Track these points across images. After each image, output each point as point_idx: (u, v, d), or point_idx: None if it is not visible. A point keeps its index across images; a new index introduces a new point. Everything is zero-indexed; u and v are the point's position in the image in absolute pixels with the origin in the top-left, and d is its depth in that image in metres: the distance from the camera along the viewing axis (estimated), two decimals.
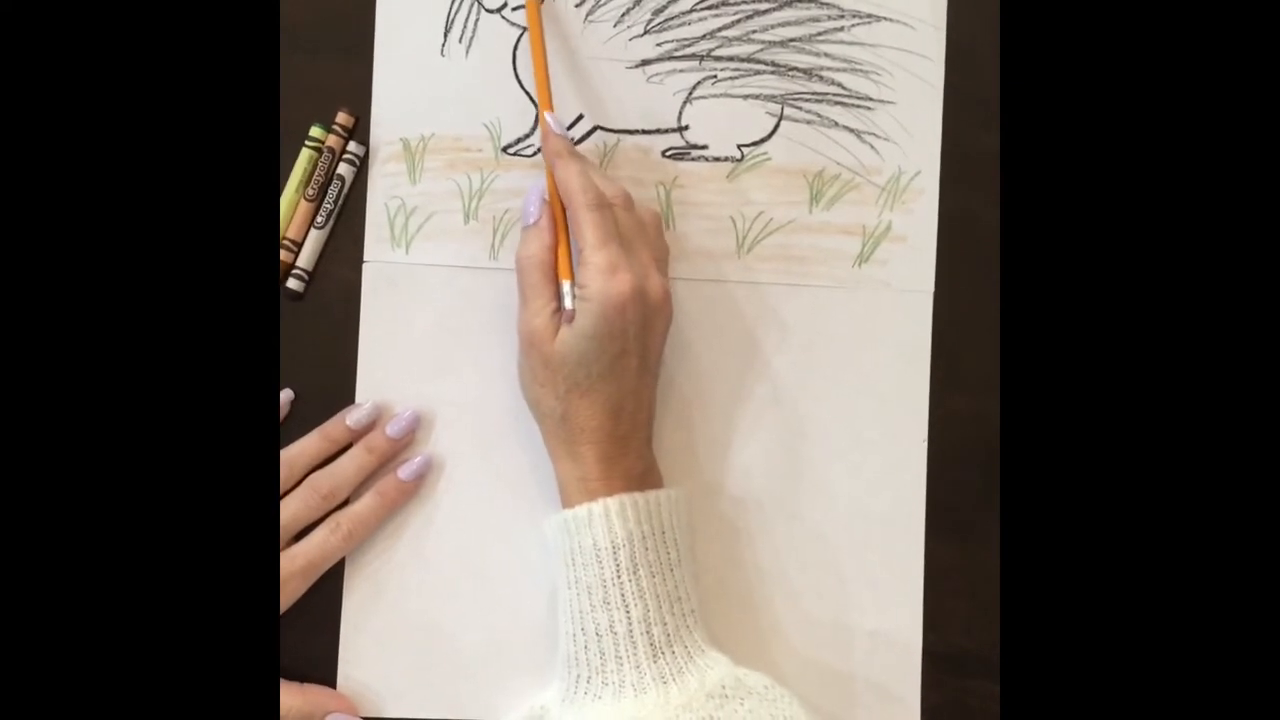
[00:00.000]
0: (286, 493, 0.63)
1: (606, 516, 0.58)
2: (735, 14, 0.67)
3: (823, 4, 0.67)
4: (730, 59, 0.67)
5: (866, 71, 0.67)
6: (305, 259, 0.66)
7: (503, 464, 0.66)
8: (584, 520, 0.58)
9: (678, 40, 0.67)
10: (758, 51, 0.67)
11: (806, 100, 0.67)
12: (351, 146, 0.66)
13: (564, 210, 0.61)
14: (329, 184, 0.66)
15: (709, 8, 0.67)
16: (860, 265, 0.67)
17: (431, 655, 0.65)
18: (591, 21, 0.67)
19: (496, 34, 0.67)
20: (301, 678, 0.64)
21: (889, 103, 0.67)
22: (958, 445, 0.66)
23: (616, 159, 0.67)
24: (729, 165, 0.67)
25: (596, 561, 0.58)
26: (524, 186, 0.66)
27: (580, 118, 0.67)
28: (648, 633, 0.57)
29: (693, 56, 0.67)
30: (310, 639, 0.65)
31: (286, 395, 0.65)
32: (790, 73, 0.67)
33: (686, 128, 0.67)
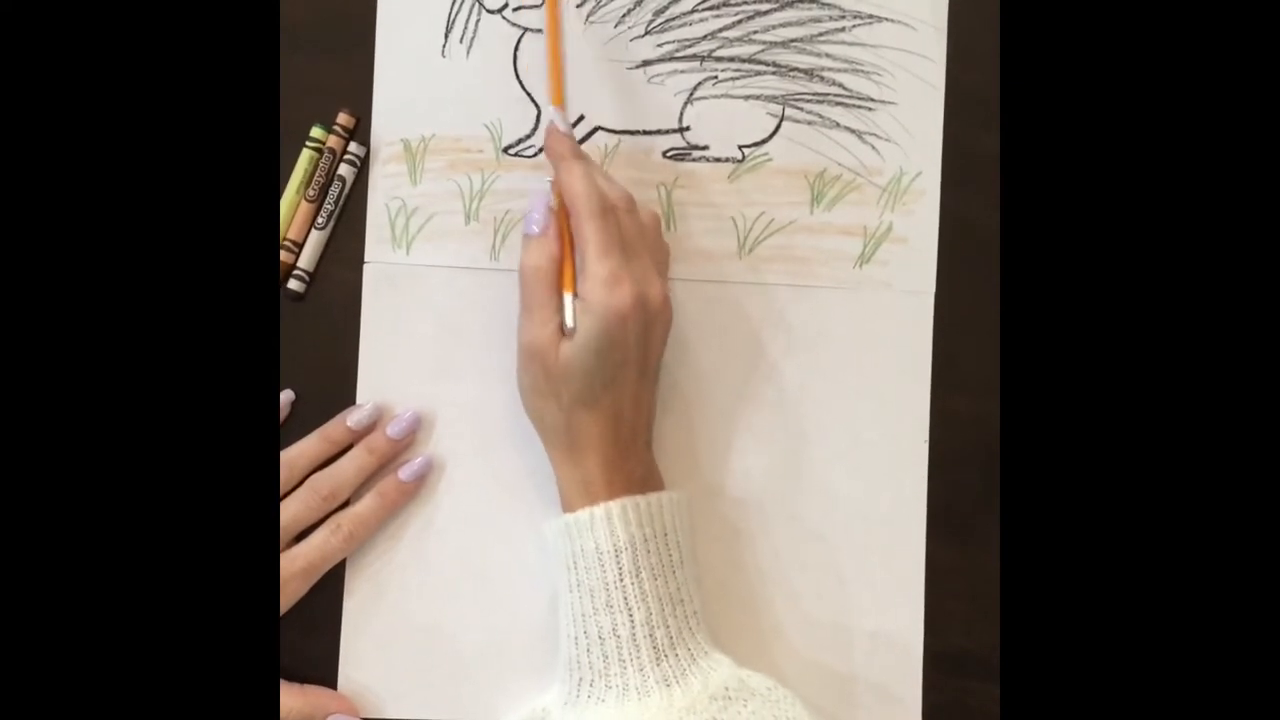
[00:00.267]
0: (287, 494, 0.63)
1: (608, 520, 0.58)
2: (736, 14, 0.67)
3: (824, 4, 0.67)
4: (731, 60, 0.67)
5: (867, 72, 0.67)
6: (306, 260, 0.66)
7: (503, 465, 0.66)
8: (585, 524, 0.58)
9: (679, 41, 0.67)
10: (759, 52, 0.67)
11: (807, 101, 0.67)
12: (352, 147, 0.66)
13: (567, 215, 0.60)
14: (330, 185, 0.66)
15: (710, 8, 0.67)
16: (861, 266, 0.67)
17: (432, 656, 0.65)
18: (592, 22, 0.67)
19: (497, 35, 0.67)
20: (302, 678, 0.64)
21: (890, 103, 0.67)
22: (958, 446, 0.66)
23: (617, 160, 0.67)
24: (730, 166, 0.67)
25: (599, 565, 0.58)
26: (525, 187, 0.66)
27: (581, 118, 0.67)
28: (651, 636, 0.57)
29: (694, 57, 0.67)
30: (311, 640, 0.65)
31: (287, 396, 0.65)
32: (791, 73, 0.67)
33: (687, 128, 0.67)
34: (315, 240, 0.66)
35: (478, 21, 0.67)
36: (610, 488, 0.59)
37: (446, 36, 0.67)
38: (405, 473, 0.65)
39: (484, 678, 0.65)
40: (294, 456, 0.64)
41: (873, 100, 0.67)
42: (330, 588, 0.65)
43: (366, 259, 0.66)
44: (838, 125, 0.67)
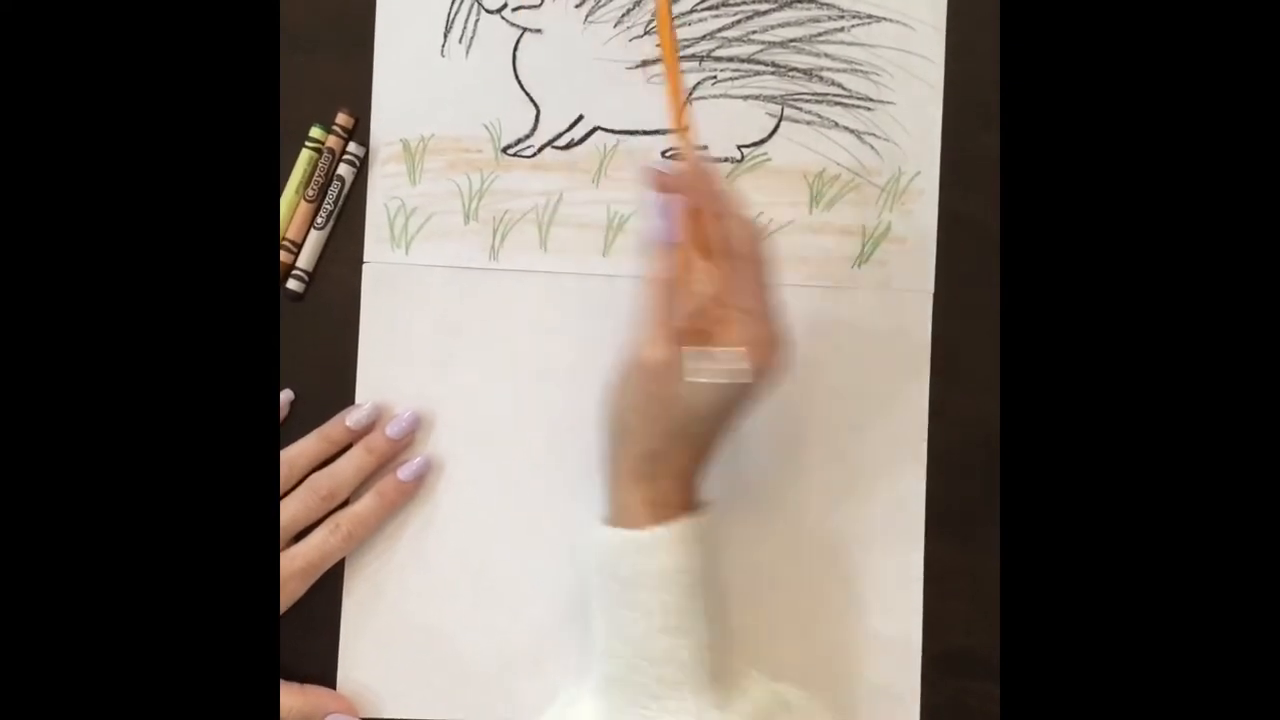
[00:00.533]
0: (286, 493, 0.63)
1: (683, 541, 0.56)
2: (735, 15, 0.67)
3: (823, 5, 0.67)
4: (730, 60, 0.67)
5: (866, 72, 0.67)
6: (305, 260, 0.66)
7: (502, 465, 0.66)
8: (650, 544, 0.56)
9: (678, 41, 0.67)
10: (758, 52, 0.67)
11: (806, 101, 0.67)
12: (351, 147, 0.66)
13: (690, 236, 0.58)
14: (329, 185, 0.66)
15: (709, 8, 0.67)
16: (860, 266, 0.67)
17: (431, 656, 0.65)
18: (592, 22, 0.67)
19: (497, 34, 0.67)
20: (301, 678, 0.64)
21: (889, 103, 0.67)
22: (958, 445, 0.66)
23: (617, 159, 0.67)
24: (729, 166, 0.67)
25: (662, 586, 0.56)
26: (524, 187, 0.66)
27: (580, 118, 0.67)
28: (707, 660, 0.56)
29: (693, 57, 0.67)
30: (310, 639, 0.65)
31: (286, 396, 0.65)
32: (790, 73, 0.67)
33: (687, 128, 0.67)
34: (314, 240, 0.66)
35: (477, 21, 0.67)
36: (679, 509, 0.57)
37: (446, 36, 0.67)
38: (404, 472, 0.65)
39: (483, 677, 0.65)
40: (293, 456, 0.64)
41: (871, 100, 0.67)
42: (329, 587, 0.65)
43: (365, 259, 0.66)
44: (836, 125, 0.67)
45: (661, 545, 0.56)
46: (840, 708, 0.65)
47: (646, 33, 0.67)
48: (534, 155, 0.67)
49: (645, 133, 0.67)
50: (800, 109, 0.67)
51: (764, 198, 0.67)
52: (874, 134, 0.67)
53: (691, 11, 0.67)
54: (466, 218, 0.67)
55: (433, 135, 0.67)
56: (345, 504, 0.65)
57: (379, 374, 0.66)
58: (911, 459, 0.66)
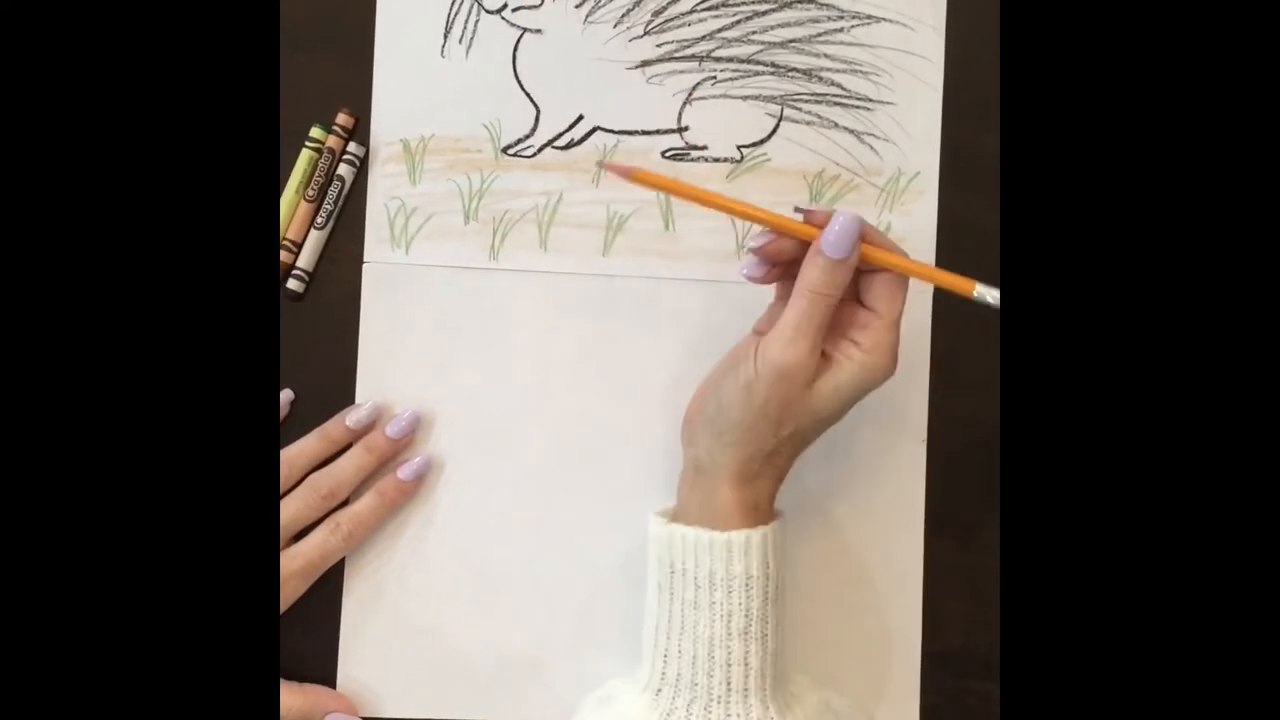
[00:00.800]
0: (286, 493, 0.63)
1: (774, 547, 0.57)
2: (735, 15, 0.67)
3: (822, 5, 0.67)
4: (730, 60, 0.67)
5: (866, 73, 0.67)
6: (305, 260, 0.66)
7: (503, 464, 0.66)
8: (745, 547, 0.56)
9: (677, 41, 0.67)
10: (757, 52, 0.67)
11: (806, 101, 0.67)
12: (351, 147, 0.66)
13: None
14: (329, 185, 0.66)
15: (709, 9, 0.67)
16: None
17: (431, 655, 0.65)
18: (591, 22, 0.67)
19: (497, 35, 0.67)
20: (301, 677, 0.64)
21: (888, 104, 0.67)
22: (958, 445, 0.66)
23: (616, 159, 0.67)
24: (729, 166, 0.67)
25: (745, 590, 0.56)
26: (524, 187, 0.66)
27: (580, 118, 0.67)
28: (774, 666, 0.57)
29: (692, 57, 0.67)
30: (310, 639, 0.65)
31: (286, 396, 0.65)
32: (790, 74, 0.67)
33: (686, 129, 0.67)
34: (314, 240, 0.66)
35: (477, 22, 0.67)
36: (766, 513, 0.58)
37: (446, 37, 0.67)
38: (404, 472, 0.65)
39: (483, 676, 0.65)
40: (293, 455, 0.64)
41: (871, 100, 0.67)
42: (329, 587, 0.65)
43: (366, 259, 0.66)
44: (836, 125, 0.67)
45: (754, 549, 0.56)
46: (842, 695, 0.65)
47: (646, 33, 0.67)
48: (534, 155, 0.67)
49: (645, 133, 0.67)
50: (800, 109, 0.67)
51: (764, 198, 0.67)
52: (873, 134, 0.67)
53: (691, 12, 0.67)
54: (466, 218, 0.67)
55: (433, 135, 0.67)
56: (345, 503, 0.65)
57: (379, 374, 0.66)
58: (911, 459, 0.66)
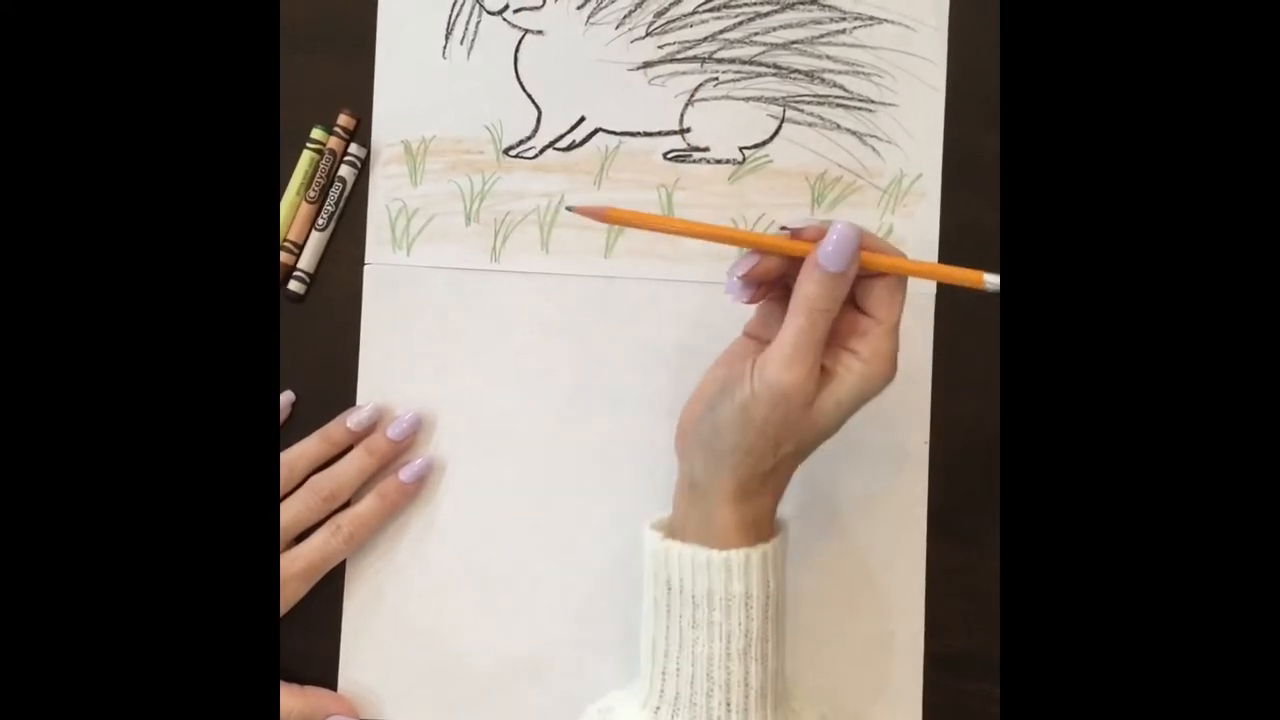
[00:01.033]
0: (287, 495, 0.63)
1: (773, 566, 0.55)
2: (737, 16, 0.67)
3: (824, 6, 0.67)
4: (732, 61, 0.67)
5: (868, 74, 0.67)
6: (306, 261, 0.66)
7: (504, 466, 0.66)
8: (744, 566, 0.54)
9: (679, 42, 0.67)
10: (759, 54, 0.67)
11: (808, 103, 0.67)
12: (352, 149, 0.66)
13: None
14: (330, 186, 0.66)
15: (711, 10, 0.67)
16: None
17: (432, 658, 0.65)
18: (594, 24, 0.67)
19: (498, 36, 0.67)
20: (302, 680, 0.64)
21: (891, 105, 0.67)
22: (958, 446, 0.66)
23: (618, 161, 0.67)
24: (731, 168, 0.67)
25: (745, 609, 0.54)
26: (525, 189, 0.66)
27: (582, 120, 0.67)
28: (775, 685, 0.56)
29: (694, 59, 0.67)
30: (311, 641, 0.65)
31: (287, 397, 0.65)
32: (792, 75, 0.67)
33: (688, 130, 0.67)
34: (315, 241, 0.66)
35: (478, 23, 0.67)
36: (766, 530, 0.56)
37: (447, 38, 0.67)
38: (405, 474, 0.65)
39: (483, 679, 0.65)
40: (294, 457, 0.64)
41: (873, 102, 0.67)
42: (330, 589, 0.65)
43: (367, 260, 0.66)
44: (838, 127, 0.67)
45: (754, 568, 0.54)
46: (841, 708, 0.65)
47: (648, 34, 0.67)
48: (535, 157, 0.67)
49: (646, 134, 0.67)
50: (802, 111, 0.67)
51: (766, 200, 0.67)
52: (876, 136, 0.67)
53: (693, 13, 0.67)
54: (468, 219, 0.67)
55: (434, 137, 0.67)
56: (346, 505, 0.65)
57: (380, 375, 0.66)
58: (911, 459, 0.66)
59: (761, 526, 0.56)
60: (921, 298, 0.66)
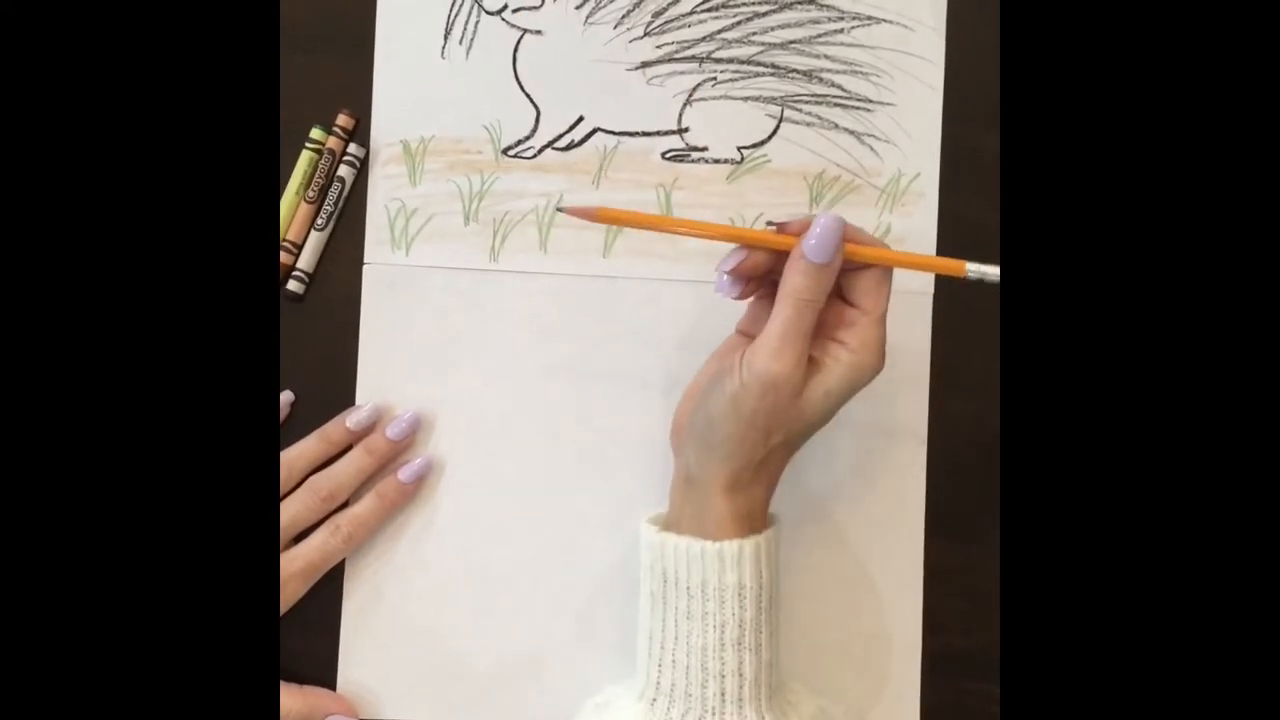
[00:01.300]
0: (286, 494, 0.63)
1: (767, 556, 0.56)
2: (735, 16, 0.67)
3: (822, 6, 0.67)
4: (730, 61, 0.67)
5: (866, 74, 0.67)
6: (305, 261, 0.66)
7: (503, 466, 0.66)
8: (738, 557, 0.55)
9: (678, 42, 0.67)
10: (757, 54, 0.67)
11: (806, 102, 0.67)
12: (352, 148, 0.66)
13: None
14: (329, 186, 0.66)
15: (709, 10, 0.67)
16: None
17: (431, 657, 0.65)
18: (592, 23, 0.67)
19: (497, 36, 0.67)
20: (301, 679, 0.64)
21: (889, 105, 0.67)
22: (958, 446, 0.66)
23: (616, 161, 0.67)
24: (729, 167, 0.67)
25: (738, 600, 0.55)
26: (524, 189, 0.66)
27: (580, 120, 0.67)
28: (769, 676, 0.56)
29: (693, 59, 0.67)
30: (310, 641, 0.65)
31: (286, 397, 0.65)
32: (790, 75, 0.67)
33: (686, 130, 0.67)
34: (315, 241, 0.66)
35: (477, 23, 0.67)
36: (760, 521, 0.57)
37: (446, 38, 0.67)
38: (404, 474, 0.65)
39: (483, 679, 0.65)
40: (293, 457, 0.64)
41: (871, 102, 0.67)
42: (329, 589, 0.65)
43: (366, 260, 0.66)
44: (836, 126, 0.67)
45: (747, 559, 0.55)
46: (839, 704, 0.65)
47: (646, 34, 0.67)
48: (534, 156, 0.67)
49: (645, 134, 0.67)
50: (800, 110, 0.67)
51: (764, 199, 0.67)
52: (874, 135, 0.67)
53: (691, 13, 0.67)
54: (467, 219, 0.67)
55: (433, 136, 0.67)
56: (345, 505, 0.65)
57: (379, 375, 0.66)
58: (911, 459, 0.66)
59: (755, 518, 0.56)
60: (920, 297, 0.66)
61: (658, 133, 0.67)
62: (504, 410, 0.66)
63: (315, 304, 0.66)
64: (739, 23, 0.67)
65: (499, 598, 0.65)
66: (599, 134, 0.67)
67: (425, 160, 0.67)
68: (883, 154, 0.67)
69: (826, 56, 0.67)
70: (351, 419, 0.65)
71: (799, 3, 0.67)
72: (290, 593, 0.63)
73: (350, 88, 0.67)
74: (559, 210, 0.65)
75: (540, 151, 0.67)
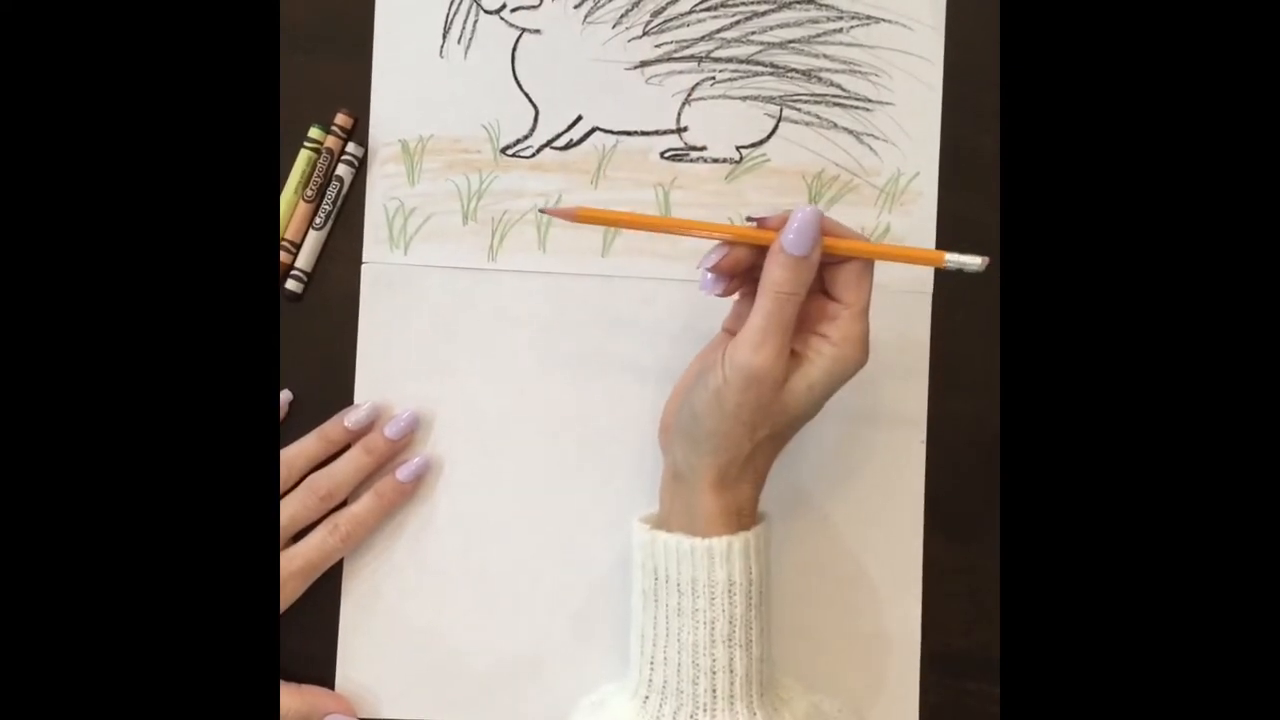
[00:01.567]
0: (285, 494, 0.63)
1: (756, 551, 0.56)
2: (734, 15, 0.67)
3: (821, 5, 0.67)
4: (729, 60, 0.67)
5: (865, 73, 0.67)
6: (304, 260, 0.66)
7: (501, 465, 0.66)
8: (727, 553, 0.55)
9: (676, 41, 0.67)
10: (756, 53, 0.67)
11: (805, 102, 0.67)
12: (350, 148, 0.66)
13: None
14: (327, 185, 0.66)
15: (708, 9, 0.67)
16: None
17: (430, 657, 0.65)
18: (590, 23, 0.67)
19: (495, 35, 0.67)
20: (300, 679, 0.64)
21: (888, 104, 0.67)
22: (958, 445, 0.66)
23: (615, 160, 0.67)
24: (728, 167, 0.67)
25: (728, 596, 0.55)
26: (523, 188, 0.66)
27: (579, 119, 0.67)
28: (760, 672, 0.56)
29: (691, 58, 0.67)
30: (309, 640, 0.65)
31: (285, 396, 0.65)
32: (789, 74, 0.67)
33: (685, 129, 0.67)
34: (313, 240, 0.66)
35: (475, 22, 0.67)
36: (749, 517, 0.57)
37: (444, 37, 0.67)
38: (403, 473, 0.65)
39: (481, 678, 0.65)
40: (292, 456, 0.64)
41: (870, 101, 0.67)
42: (328, 588, 0.65)
43: (364, 259, 0.66)
44: (835, 126, 0.67)
45: (736, 555, 0.55)
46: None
47: (645, 33, 0.67)
48: (533, 156, 0.67)
49: (643, 133, 0.67)
50: (799, 110, 0.67)
51: (763, 198, 0.67)
52: (873, 135, 0.67)
53: (690, 12, 0.67)
54: (465, 218, 0.67)
55: (431, 136, 0.67)
56: (344, 504, 0.65)
57: (377, 374, 0.66)
58: (911, 459, 0.66)
59: (744, 515, 0.56)
60: (920, 296, 0.66)
61: (656, 132, 0.67)
62: (502, 409, 0.66)
63: (314, 303, 0.66)
64: (738, 22, 0.67)
65: (497, 597, 0.65)
66: (597, 133, 0.67)
67: (424, 159, 0.67)
68: (882, 153, 0.67)
69: (825, 56, 0.67)
70: (350, 418, 0.64)
71: (798, 2, 0.67)
72: (289, 592, 0.63)
73: (349, 87, 0.67)
74: (540, 212, 0.65)
75: (539, 151, 0.67)
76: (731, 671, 0.55)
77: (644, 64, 0.67)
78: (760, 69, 0.67)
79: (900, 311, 0.66)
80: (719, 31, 0.67)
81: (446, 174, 0.67)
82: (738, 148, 0.67)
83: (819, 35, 0.67)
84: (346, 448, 0.65)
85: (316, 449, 0.64)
